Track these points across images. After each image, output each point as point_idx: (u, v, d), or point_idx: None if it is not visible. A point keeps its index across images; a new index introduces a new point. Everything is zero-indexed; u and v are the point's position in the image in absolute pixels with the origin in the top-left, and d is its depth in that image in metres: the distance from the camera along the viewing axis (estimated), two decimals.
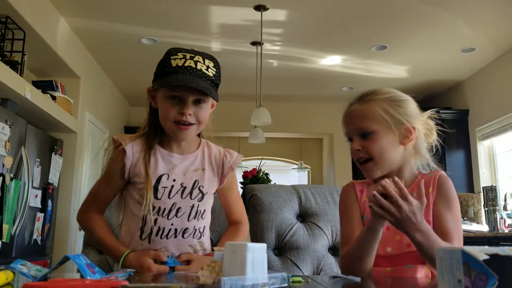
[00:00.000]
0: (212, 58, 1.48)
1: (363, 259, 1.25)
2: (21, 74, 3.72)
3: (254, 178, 6.09)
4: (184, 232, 1.46)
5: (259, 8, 4.26)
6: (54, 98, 4.34)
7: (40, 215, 3.94)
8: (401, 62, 5.63)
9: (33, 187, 3.79)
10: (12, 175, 3.40)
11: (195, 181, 1.50)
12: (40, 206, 3.95)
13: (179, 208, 1.46)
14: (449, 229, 1.27)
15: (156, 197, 1.45)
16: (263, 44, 4.89)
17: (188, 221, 1.47)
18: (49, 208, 4.11)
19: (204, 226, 1.52)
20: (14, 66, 3.63)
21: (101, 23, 4.64)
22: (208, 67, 1.44)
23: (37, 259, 3.81)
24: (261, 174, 6.23)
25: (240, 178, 6.34)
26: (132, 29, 4.74)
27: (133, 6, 4.28)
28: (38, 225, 3.90)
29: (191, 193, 1.48)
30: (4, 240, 3.28)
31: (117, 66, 5.76)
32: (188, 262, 1.43)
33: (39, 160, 3.90)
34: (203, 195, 1.50)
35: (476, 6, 4.19)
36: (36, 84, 4.22)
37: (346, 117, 1.41)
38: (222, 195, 1.63)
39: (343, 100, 7.27)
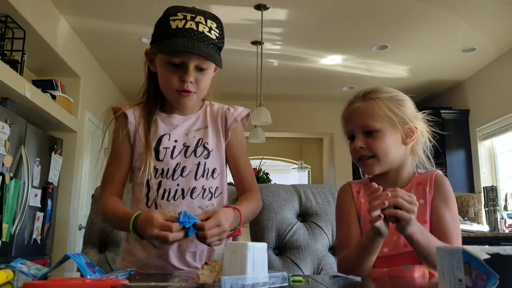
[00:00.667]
0: (214, 18, 1.38)
1: (362, 266, 1.24)
2: (21, 73, 3.71)
3: None
4: (192, 192, 1.38)
5: (260, 7, 4.26)
6: (54, 97, 4.34)
7: (40, 215, 3.94)
8: (402, 62, 5.63)
9: (33, 187, 3.79)
10: (12, 174, 3.40)
11: (199, 139, 1.43)
12: (40, 206, 3.95)
13: (184, 167, 1.39)
14: (449, 230, 1.26)
15: (158, 158, 1.39)
16: (263, 43, 4.89)
17: (196, 179, 1.39)
18: (49, 207, 4.11)
19: (217, 187, 1.43)
20: (14, 65, 3.62)
21: (101, 22, 4.64)
22: (210, 28, 1.34)
23: (37, 258, 3.81)
24: (261, 173, 6.23)
25: None
26: (132, 28, 4.74)
27: (133, 5, 4.28)
28: (38, 224, 3.90)
29: (195, 151, 1.41)
30: (4, 239, 3.28)
31: (117, 65, 5.76)
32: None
33: (39, 159, 3.89)
34: (208, 152, 1.42)
35: (476, 6, 4.19)
36: (36, 83, 4.22)
37: (349, 114, 1.38)
38: (230, 155, 1.49)
39: (343, 100, 7.25)
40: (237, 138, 1.50)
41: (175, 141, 1.42)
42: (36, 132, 3.86)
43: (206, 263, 0.98)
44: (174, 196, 1.37)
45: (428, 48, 5.18)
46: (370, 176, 1.44)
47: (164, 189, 1.38)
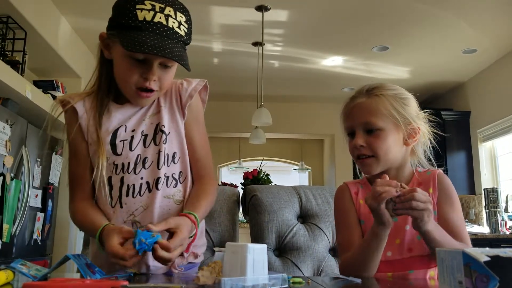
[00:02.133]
0: (183, 10, 1.26)
1: (367, 266, 1.20)
2: (22, 74, 3.72)
3: (254, 179, 6.08)
4: (157, 183, 1.29)
5: (261, 8, 4.26)
6: (55, 98, 4.34)
7: (40, 215, 3.94)
8: (403, 63, 5.62)
9: (34, 187, 3.79)
10: (12, 174, 3.40)
11: (157, 124, 1.33)
12: (41, 206, 3.94)
13: (146, 158, 1.30)
14: (459, 231, 1.24)
15: (115, 153, 1.29)
16: (264, 44, 4.89)
17: (159, 169, 1.29)
18: (49, 208, 4.11)
19: (180, 172, 1.34)
20: (15, 65, 3.63)
21: (102, 23, 4.58)
22: (180, 23, 1.23)
23: (37, 259, 3.81)
24: (261, 174, 6.22)
25: (240, 179, 6.34)
26: None
27: None
28: (38, 225, 3.90)
29: (154, 139, 1.31)
30: (4, 240, 3.28)
31: None
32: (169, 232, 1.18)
33: (39, 160, 3.89)
34: (166, 135, 1.32)
35: (478, 7, 4.19)
36: (37, 84, 4.23)
37: (351, 109, 1.33)
38: (188, 135, 1.39)
39: (344, 101, 7.28)
40: (192, 114, 1.39)
41: (133, 131, 1.31)
42: (37, 132, 3.87)
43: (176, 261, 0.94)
44: (140, 191, 1.28)
45: (429, 50, 5.18)
46: (368, 175, 1.40)
47: (128, 185, 1.28)
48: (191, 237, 1.25)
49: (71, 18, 4.54)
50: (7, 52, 3.67)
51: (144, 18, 1.17)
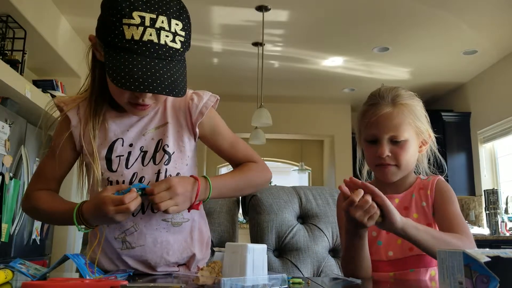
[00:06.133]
0: (180, 14, 1.11)
1: (358, 264, 1.22)
2: (21, 73, 3.71)
3: None
4: (152, 206, 1.18)
5: (261, 8, 4.26)
6: (54, 97, 4.33)
7: None
8: (403, 64, 5.62)
9: None
10: (11, 174, 3.39)
11: (159, 141, 1.22)
12: None
13: (142, 178, 1.20)
14: (457, 219, 1.25)
15: (110, 169, 1.21)
16: (264, 44, 4.89)
17: None
18: None
19: None
20: (15, 65, 3.62)
21: None
22: (175, 33, 1.08)
23: (36, 259, 3.80)
24: None
25: None
26: None
27: None
28: (37, 224, 3.89)
29: (154, 157, 1.21)
30: (3, 239, 3.28)
31: None
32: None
33: (38, 159, 3.89)
34: (169, 156, 1.22)
35: (478, 8, 4.19)
36: (36, 83, 4.22)
37: (377, 119, 1.29)
38: (212, 146, 1.32)
39: (344, 102, 7.25)
40: (209, 128, 1.30)
41: (130, 145, 1.22)
42: (36, 132, 3.86)
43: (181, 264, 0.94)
44: (132, 212, 1.16)
45: (429, 50, 5.18)
46: (370, 180, 1.42)
47: None
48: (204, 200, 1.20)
49: (71, 18, 4.53)
50: (6, 51, 3.67)
51: (132, 36, 1.04)
